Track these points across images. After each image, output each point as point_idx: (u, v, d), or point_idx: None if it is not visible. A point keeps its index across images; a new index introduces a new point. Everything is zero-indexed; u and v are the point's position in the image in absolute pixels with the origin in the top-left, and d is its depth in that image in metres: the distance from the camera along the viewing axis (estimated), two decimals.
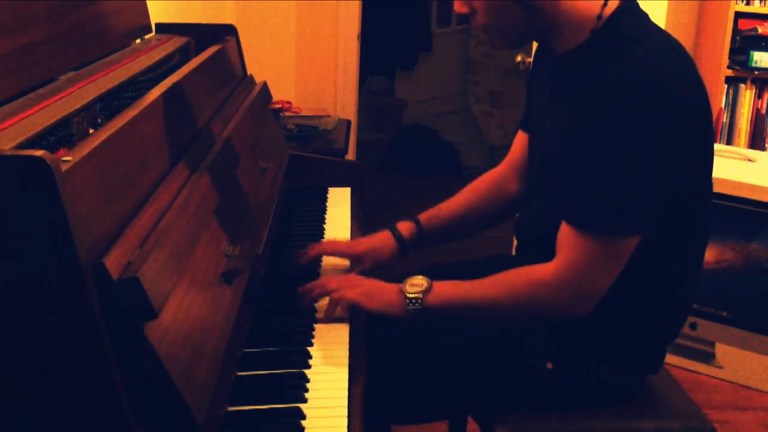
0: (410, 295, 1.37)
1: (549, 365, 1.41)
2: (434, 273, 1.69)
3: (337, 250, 1.60)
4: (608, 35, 1.32)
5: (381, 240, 1.60)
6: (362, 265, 1.57)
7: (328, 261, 1.63)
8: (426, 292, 1.37)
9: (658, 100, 1.23)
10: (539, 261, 1.38)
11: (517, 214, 1.69)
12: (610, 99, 1.24)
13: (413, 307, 1.37)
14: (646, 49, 1.27)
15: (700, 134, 1.32)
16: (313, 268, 1.61)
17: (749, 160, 2.90)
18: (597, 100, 1.26)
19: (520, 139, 1.68)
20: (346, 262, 1.61)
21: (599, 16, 1.32)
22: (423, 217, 1.65)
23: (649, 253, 1.34)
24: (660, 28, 1.36)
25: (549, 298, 1.32)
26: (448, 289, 1.39)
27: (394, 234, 1.61)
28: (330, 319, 1.38)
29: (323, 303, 1.42)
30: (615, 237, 1.28)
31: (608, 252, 1.29)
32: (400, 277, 1.42)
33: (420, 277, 1.40)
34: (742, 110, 3.54)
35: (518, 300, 1.35)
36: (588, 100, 1.28)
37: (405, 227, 1.63)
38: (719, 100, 3.48)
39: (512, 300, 1.35)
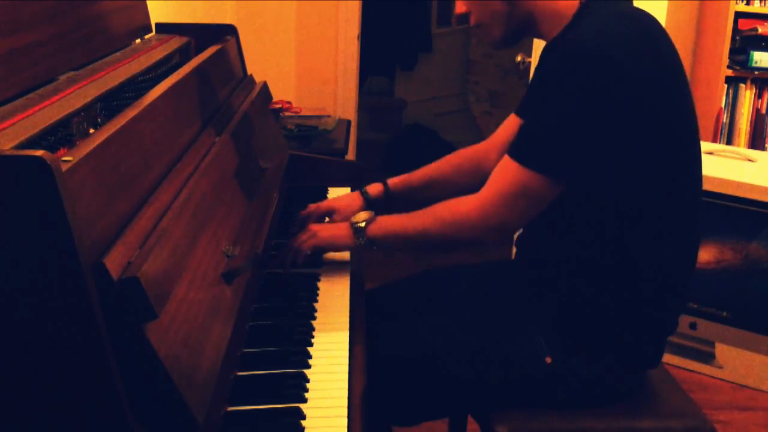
0: (356, 226, 1.53)
1: (548, 359, 1.42)
2: (429, 278, 1.77)
3: (317, 209, 1.75)
4: (580, 18, 1.42)
5: (351, 198, 1.79)
6: (333, 216, 1.74)
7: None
8: (369, 222, 1.53)
9: (591, 63, 1.31)
10: (539, 263, 1.49)
11: None
12: (557, 58, 1.38)
13: (359, 237, 1.53)
14: (590, 22, 1.37)
15: (663, 114, 1.35)
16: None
17: (749, 160, 2.90)
18: (552, 64, 1.40)
19: (510, 122, 1.79)
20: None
21: (581, 3, 1.43)
22: (392, 181, 1.81)
23: (635, 240, 1.38)
24: (633, 8, 1.43)
25: (468, 227, 1.46)
26: (389, 221, 1.54)
27: (362, 194, 1.78)
28: (292, 266, 1.55)
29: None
30: (536, 173, 1.37)
31: (527, 187, 1.38)
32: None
33: (366, 212, 1.58)
34: (742, 110, 3.55)
35: (445, 229, 1.48)
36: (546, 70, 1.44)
37: (373, 189, 1.79)
38: (719, 100, 3.48)
39: (440, 229, 1.49)
